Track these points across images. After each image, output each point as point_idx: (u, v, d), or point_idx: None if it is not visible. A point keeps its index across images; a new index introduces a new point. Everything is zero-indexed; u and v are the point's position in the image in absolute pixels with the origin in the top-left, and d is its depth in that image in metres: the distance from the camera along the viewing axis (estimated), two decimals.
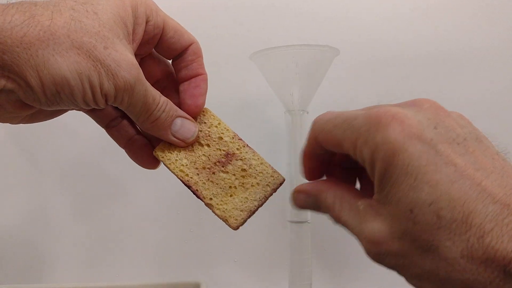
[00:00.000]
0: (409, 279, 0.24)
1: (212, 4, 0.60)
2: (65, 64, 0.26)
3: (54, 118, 0.60)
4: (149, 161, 0.36)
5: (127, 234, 0.59)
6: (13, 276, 0.58)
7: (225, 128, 0.36)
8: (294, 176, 0.44)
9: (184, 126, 0.34)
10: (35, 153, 0.59)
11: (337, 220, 0.27)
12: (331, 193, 0.28)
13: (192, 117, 0.35)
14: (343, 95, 0.60)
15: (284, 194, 0.59)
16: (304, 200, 0.30)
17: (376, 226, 0.24)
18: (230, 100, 0.59)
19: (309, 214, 0.45)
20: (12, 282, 0.58)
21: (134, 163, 0.60)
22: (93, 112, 0.35)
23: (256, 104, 0.59)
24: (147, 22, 0.32)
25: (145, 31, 0.32)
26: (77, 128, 0.59)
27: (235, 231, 0.35)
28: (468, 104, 0.60)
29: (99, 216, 0.59)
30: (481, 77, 0.60)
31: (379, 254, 0.24)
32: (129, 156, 0.36)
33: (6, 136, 0.59)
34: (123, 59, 0.28)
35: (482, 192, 0.22)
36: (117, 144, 0.60)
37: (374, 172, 0.24)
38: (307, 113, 0.45)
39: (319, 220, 0.53)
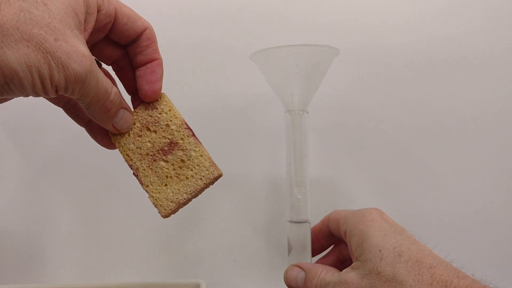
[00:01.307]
0: None
1: (212, 5, 0.60)
2: (14, 56, 0.26)
3: (55, 118, 0.61)
4: (109, 141, 0.37)
5: (127, 234, 0.59)
6: (13, 276, 0.58)
7: (174, 115, 0.37)
8: (294, 176, 0.44)
9: (124, 118, 0.35)
10: (34, 152, 0.59)
11: (321, 282, 0.36)
12: (321, 266, 0.38)
13: (150, 103, 0.36)
14: (343, 95, 0.60)
15: (283, 194, 0.59)
16: (297, 272, 0.39)
17: (351, 273, 0.34)
18: (230, 100, 0.59)
19: (309, 214, 0.45)
20: (12, 282, 0.58)
21: None
22: None
23: (256, 104, 0.59)
24: (98, 11, 0.32)
25: (96, 19, 0.32)
26: (77, 127, 0.59)
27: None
28: (463, 105, 0.60)
29: (99, 216, 0.59)
30: (478, 80, 0.60)
31: None
32: (90, 136, 0.38)
33: (5, 136, 0.59)
34: (74, 50, 0.28)
35: (430, 252, 0.33)
36: None
37: (355, 234, 0.36)
38: (307, 113, 0.45)
39: (318, 220, 0.53)
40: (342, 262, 0.43)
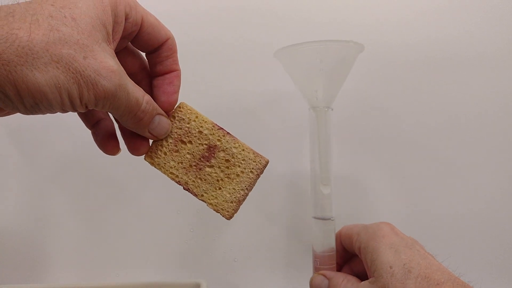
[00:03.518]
0: None
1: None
2: (43, 79, 0.26)
3: (57, 120, 0.61)
4: (110, 147, 0.36)
5: (127, 234, 0.59)
6: (13, 276, 0.58)
7: (203, 120, 0.36)
8: (318, 173, 0.44)
9: (161, 124, 0.35)
10: (35, 152, 0.59)
11: None
12: (342, 276, 0.40)
13: (166, 113, 0.36)
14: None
15: (283, 194, 0.59)
16: (321, 280, 0.42)
17: (366, 286, 0.36)
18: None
19: (333, 211, 0.45)
20: (12, 282, 0.58)
21: (134, 164, 0.60)
22: None
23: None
24: (126, 19, 0.32)
25: (124, 28, 0.32)
26: (78, 127, 0.59)
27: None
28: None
29: (99, 216, 0.59)
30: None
31: None
32: (94, 139, 0.37)
33: (5, 136, 0.59)
34: (103, 67, 0.28)
35: (439, 266, 0.35)
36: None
37: (368, 251, 0.38)
38: (332, 110, 0.45)
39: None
40: None
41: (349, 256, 0.45)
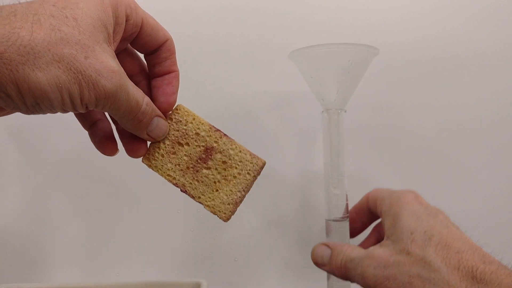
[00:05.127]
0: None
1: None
2: (45, 78, 0.26)
3: (58, 120, 0.61)
4: (108, 149, 0.37)
5: (127, 233, 0.59)
6: (13, 276, 0.58)
7: (200, 122, 0.37)
8: (330, 175, 0.44)
9: (159, 126, 0.35)
10: (35, 152, 0.59)
11: (346, 258, 0.38)
12: (346, 245, 0.40)
13: (164, 114, 0.36)
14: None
15: (282, 193, 0.59)
16: (323, 249, 0.41)
17: (380, 250, 0.36)
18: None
19: (348, 212, 0.45)
20: (12, 282, 0.58)
21: (134, 163, 0.60)
22: None
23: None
24: (126, 21, 0.32)
25: (124, 29, 0.32)
26: (78, 127, 0.59)
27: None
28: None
29: (99, 216, 0.59)
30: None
31: (378, 267, 0.35)
32: (91, 140, 0.37)
33: (5, 135, 0.59)
34: (104, 67, 0.28)
35: (461, 236, 0.35)
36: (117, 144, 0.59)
37: (390, 215, 0.38)
38: (345, 111, 0.45)
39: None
40: None
41: (375, 219, 0.45)
